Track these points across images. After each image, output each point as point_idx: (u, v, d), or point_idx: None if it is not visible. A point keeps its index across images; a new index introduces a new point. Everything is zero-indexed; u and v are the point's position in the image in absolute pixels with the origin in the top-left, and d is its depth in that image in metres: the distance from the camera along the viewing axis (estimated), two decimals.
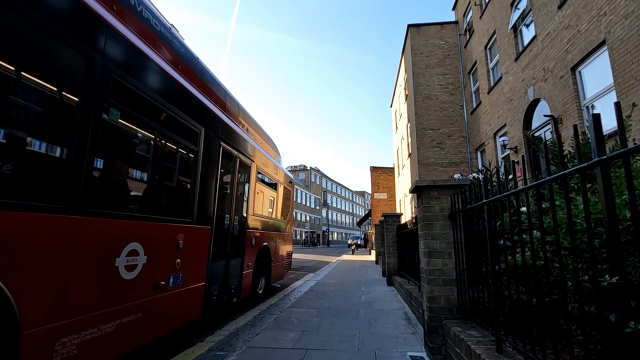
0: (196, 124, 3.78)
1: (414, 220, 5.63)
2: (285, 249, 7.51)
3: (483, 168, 4.06)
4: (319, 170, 68.28)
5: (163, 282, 3.07)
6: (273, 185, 6.97)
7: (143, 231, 2.82)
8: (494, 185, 2.51)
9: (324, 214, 67.68)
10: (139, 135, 2.98)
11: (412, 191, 3.35)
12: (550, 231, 1.91)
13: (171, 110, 3.30)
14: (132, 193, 2.91)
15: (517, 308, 2.06)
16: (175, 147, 3.49)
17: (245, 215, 5.23)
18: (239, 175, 5.05)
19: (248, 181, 5.42)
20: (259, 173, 5.93)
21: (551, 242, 2.07)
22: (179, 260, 3.30)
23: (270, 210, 6.82)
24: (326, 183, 71.54)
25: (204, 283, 3.84)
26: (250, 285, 5.41)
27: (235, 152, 4.87)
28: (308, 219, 61.23)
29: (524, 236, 2.11)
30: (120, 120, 2.61)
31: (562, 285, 1.54)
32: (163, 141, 3.27)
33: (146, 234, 2.84)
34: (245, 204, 5.28)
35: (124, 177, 2.82)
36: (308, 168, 64.91)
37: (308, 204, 62.10)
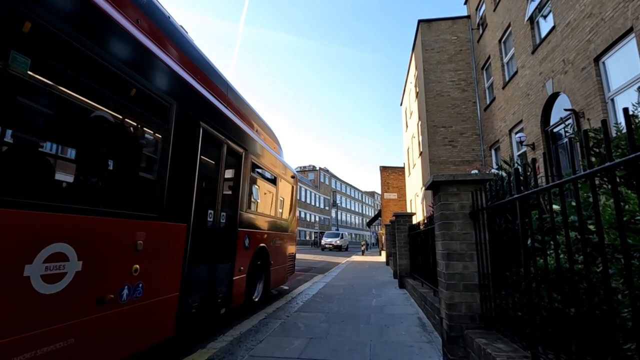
0: (164, 96, 3.06)
1: (426, 220, 5.33)
2: (287, 250, 6.86)
3: (503, 163, 3.74)
4: (328, 171, 68.02)
5: (112, 295, 2.37)
6: (272, 180, 6.25)
7: (75, 228, 2.10)
8: (520, 180, 2.22)
9: (333, 215, 67.37)
10: (71, 95, 2.20)
11: (428, 187, 3.06)
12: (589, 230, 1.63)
13: (118, 69, 2.51)
14: (57, 176, 2.18)
15: (553, 318, 1.77)
16: (128, 121, 2.72)
17: (236, 211, 4.54)
18: (228, 164, 4.40)
19: (240, 173, 4.70)
20: (254, 164, 5.24)
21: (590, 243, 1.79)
22: (137, 266, 2.61)
23: (269, 207, 6.06)
24: (335, 183, 71.22)
25: (177, 293, 3.16)
26: (244, 292, 4.77)
27: (222, 137, 4.18)
28: (317, 219, 60.99)
29: (557, 236, 1.84)
30: (34, 71, 1.92)
31: (608, 292, 1.26)
32: (109, 109, 2.51)
33: (81, 233, 2.14)
34: (236, 198, 4.58)
35: (37, 152, 2.09)
36: (317, 168, 64.70)
37: (317, 205, 61.87)
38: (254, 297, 5.30)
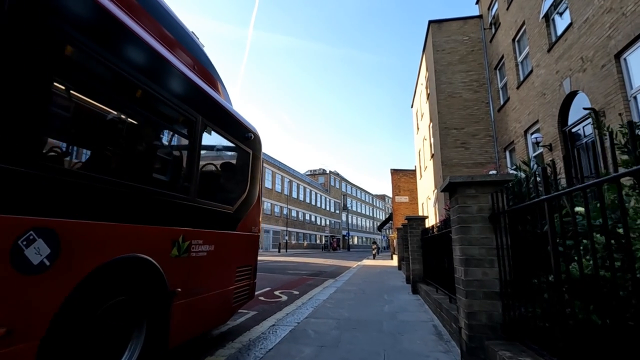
0: None
1: (440, 224, 5.16)
2: (231, 263, 3.71)
3: (521, 164, 3.56)
4: (338, 174, 67.86)
5: None
6: (169, 119, 2.96)
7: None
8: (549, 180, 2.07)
9: (344, 218, 67.07)
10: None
11: (444, 189, 2.92)
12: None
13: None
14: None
15: (586, 330, 1.61)
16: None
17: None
18: None
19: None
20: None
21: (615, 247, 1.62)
22: None
23: (167, 176, 3.06)
24: (346, 187, 70.98)
25: None
26: None
27: None
28: (328, 223, 60.80)
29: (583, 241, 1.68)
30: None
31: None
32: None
33: None
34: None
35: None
36: (327, 172, 64.63)
37: (327, 208, 61.71)
38: None
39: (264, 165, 40.61)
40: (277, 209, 44.20)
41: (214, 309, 3.43)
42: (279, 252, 36.77)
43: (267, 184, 41.89)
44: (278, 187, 44.72)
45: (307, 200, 53.69)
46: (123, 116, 2.62)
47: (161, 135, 3.08)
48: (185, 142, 3.21)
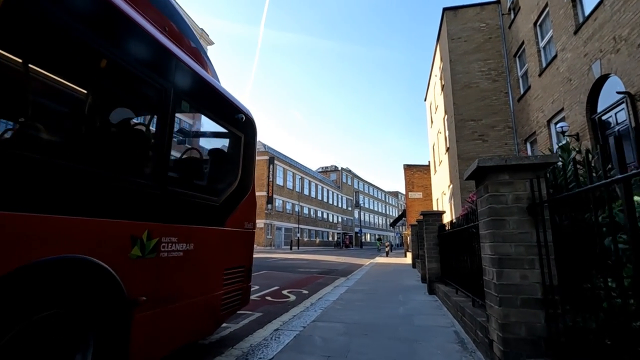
0: None
1: (460, 218, 4.69)
2: (216, 265, 3.16)
3: (560, 150, 3.06)
4: (350, 171, 67.27)
5: None
6: (131, 87, 2.51)
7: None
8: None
9: (356, 215, 66.49)
10: None
11: (469, 177, 2.48)
12: None
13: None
14: None
15: None
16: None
17: None
18: None
19: None
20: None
21: None
22: None
23: (121, 156, 2.36)
24: (358, 183, 70.34)
25: None
26: None
27: None
28: (340, 220, 60.35)
29: None
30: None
31: None
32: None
33: None
34: None
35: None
36: (339, 168, 64.12)
37: (340, 205, 61.24)
38: None
39: (276, 162, 40.41)
40: (288, 206, 44.00)
41: (195, 319, 2.85)
42: (291, 249, 36.57)
43: (279, 180, 41.69)
44: (289, 184, 44.48)
45: (319, 197, 53.33)
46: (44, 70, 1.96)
47: (115, 105, 2.43)
48: (149, 116, 2.63)
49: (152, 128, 2.42)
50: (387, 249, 26.63)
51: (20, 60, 1.75)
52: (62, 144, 2.00)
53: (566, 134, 8.68)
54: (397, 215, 60.03)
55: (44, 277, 1.59)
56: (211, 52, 41.61)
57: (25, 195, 1.54)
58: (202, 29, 31.03)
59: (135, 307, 2.08)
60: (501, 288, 2.11)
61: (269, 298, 6.37)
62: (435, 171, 20.67)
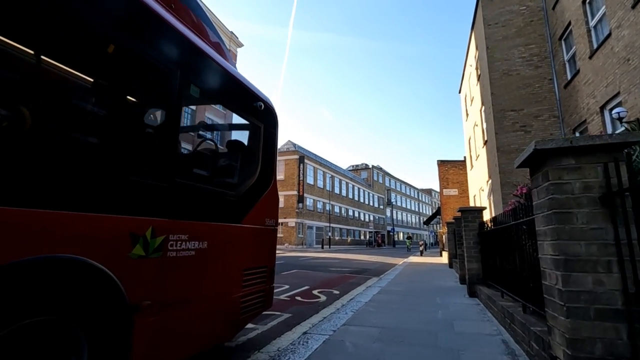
0: None
1: (507, 213, 4.24)
2: (233, 265, 2.87)
3: (625, 128, 2.59)
4: (381, 169, 66.18)
5: None
6: (132, 68, 2.11)
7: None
8: None
9: (388, 213, 65.29)
10: None
11: (522, 164, 2.11)
12: None
13: None
14: None
15: None
16: None
17: None
18: None
19: None
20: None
21: None
22: None
23: (120, 144, 2.01)
24: (389, 181, 69.07)
25: None
26: None
27: None
28: (372, 218, 59.53)
29: None
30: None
31: None
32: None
33: None
34: None
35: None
36: (370, 166, 63.24)
37: (371, 204, 60.40)
38: None
39: (306, 161, 40.46)
40: (319, 205, 43.92)
41: (210, 324, 2.57)
42: (322, 248, 36.48)
43: (309, 179, 41.71)
44: (320, 183, 44.38)
45: (350, 196, 52.83)
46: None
47: (112, 89, 2.06)
48: (155, 101, 2.36)
49: (157, 113, 2.20)
50: (421, 248, 25.82)
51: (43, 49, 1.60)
52: (44, 125, 1.67)
53: (624, 120, 7.78)
54: (430, 214, 58.20)
55: (21, 280, 1.38)
56: (240, 55, 42.37)
57: (7, 187, 1.34)
58: (231, 32, 31.63)
59: (137, 312, 1.84)
60: (569, 296, 1.74)
61: (298, 298, 6.18)
62: (472, 166, 19.65)
